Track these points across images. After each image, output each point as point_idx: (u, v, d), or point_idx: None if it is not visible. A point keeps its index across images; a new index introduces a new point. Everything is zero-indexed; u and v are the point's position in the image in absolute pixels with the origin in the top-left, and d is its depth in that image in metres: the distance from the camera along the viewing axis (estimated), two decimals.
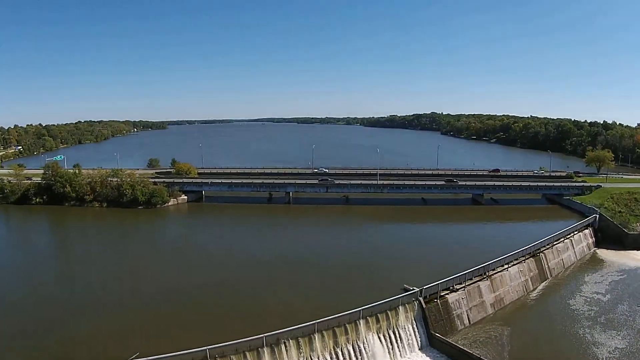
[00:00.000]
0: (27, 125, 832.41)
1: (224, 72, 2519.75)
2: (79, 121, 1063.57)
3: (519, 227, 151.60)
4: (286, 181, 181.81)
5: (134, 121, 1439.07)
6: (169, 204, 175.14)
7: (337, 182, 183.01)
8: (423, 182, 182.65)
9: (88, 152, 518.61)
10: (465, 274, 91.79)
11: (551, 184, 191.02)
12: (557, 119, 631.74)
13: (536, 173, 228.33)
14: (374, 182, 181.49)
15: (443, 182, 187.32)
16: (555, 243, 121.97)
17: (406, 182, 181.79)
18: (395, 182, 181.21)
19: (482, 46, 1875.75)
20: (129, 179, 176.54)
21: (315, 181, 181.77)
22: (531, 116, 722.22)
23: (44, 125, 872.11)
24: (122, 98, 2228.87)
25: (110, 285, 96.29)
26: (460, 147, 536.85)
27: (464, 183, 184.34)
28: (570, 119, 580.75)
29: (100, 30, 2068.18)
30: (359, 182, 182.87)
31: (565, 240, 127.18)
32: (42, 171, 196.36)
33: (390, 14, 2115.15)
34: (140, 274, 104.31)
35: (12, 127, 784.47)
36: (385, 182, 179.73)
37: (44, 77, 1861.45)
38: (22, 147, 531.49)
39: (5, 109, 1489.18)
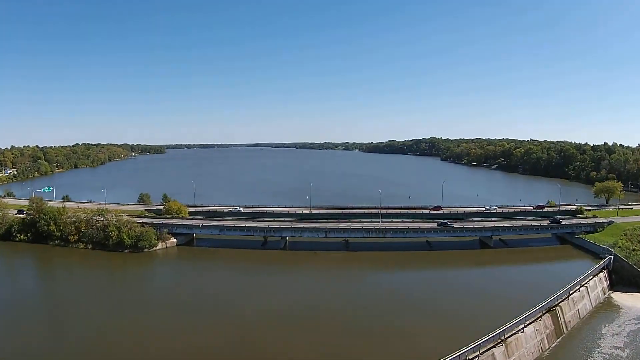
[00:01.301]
0: (24, 147, 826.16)
1: (224, 97, 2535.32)
2: (77, 144, 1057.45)
3: (531, 272, 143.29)
4: (282, 225, 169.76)
5: (132, 145, 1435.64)
6: (157, 247, 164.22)
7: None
8: (428, 226, 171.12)
9: (83, 178, 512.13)
10: (480, 343, 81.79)
11: (562, 222, 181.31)
12: (557, 141, 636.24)
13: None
14: (376, 225, 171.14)
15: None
16: (571, 293, 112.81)
17: (410, 226, 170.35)
18: (399, 226, 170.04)
19: (483, 72, 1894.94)
20: (114, 220, 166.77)
21: (313, 225, 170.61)
22: (531, 140, 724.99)
23: (40, 147, 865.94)
24: (120, 121, 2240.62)
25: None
26: (461, 175, 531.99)
27: (471, 225, 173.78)
28: (571, 142, 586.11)
29: (100, 51, 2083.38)
30: (359, 226, 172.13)
31: (581, 288, 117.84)
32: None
33: (391, 44, 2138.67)
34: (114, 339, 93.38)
35: (9, 148, 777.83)
36: (387, 226, 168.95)
37: (42, 99, 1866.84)
38: (17, 171, 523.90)
39: (2, 130, 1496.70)
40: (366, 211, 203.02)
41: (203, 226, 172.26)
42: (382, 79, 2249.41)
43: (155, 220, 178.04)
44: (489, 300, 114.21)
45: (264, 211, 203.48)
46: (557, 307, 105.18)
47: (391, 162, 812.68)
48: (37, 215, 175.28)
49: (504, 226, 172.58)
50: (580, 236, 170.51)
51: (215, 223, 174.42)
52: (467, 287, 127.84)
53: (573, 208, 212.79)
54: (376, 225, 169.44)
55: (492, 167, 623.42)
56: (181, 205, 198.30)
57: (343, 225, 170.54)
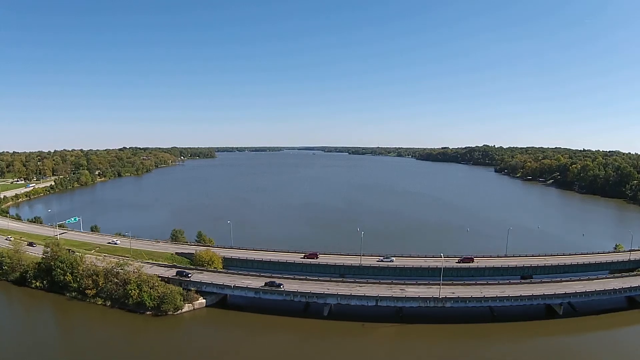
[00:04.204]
0: (69, 151, 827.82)
1: (277, 99, 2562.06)
2: (124, 147, 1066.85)
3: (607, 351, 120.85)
4: (326, 291, 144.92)
5: (181, 148, 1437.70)
6: (183, 310, 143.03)
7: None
8: (493, 294, 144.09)
9: (122, 192, 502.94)
10: None
11: (636, 284, 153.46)
12: (610, 152, 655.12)
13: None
14: (434, 291, 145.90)
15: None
16: None
17: (473, 295, 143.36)
18: (460, 295, 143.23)
19: (529, 76, 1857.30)
20: (135, 277, 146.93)
21: (362, 292, 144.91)
22: (584, 149, 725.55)
23: (85, 151, 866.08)
24: (170, 124, 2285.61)
25: None
26: (517, 194, 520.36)
27: (541, 292, 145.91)
28: (625, 153, 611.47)
29: (153, 54, 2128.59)
30: (415, 293, 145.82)
31: None
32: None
33: (437, 43, 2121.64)
34: None
35: (52, 152, 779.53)
36: (447, 295, 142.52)
37: (91, 99, 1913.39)
38: (55, 182, 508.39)
39: (48, 132, 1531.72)
40: (422, 263, 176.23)
41: (236, 287, 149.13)
42: (434, 81, 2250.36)
43: (182, 276, 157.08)
44: None
45: (308, 262, 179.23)
46: None
47: (445, 174, 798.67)
48: (52, 262, 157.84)
49: (575, 292, 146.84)
50: None
51: (251, 284, 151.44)
52: None
53: None
54: (434, 293, 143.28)
55: (548, 182, 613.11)
56: (214, 255, 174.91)
57: (396, 293, 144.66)
